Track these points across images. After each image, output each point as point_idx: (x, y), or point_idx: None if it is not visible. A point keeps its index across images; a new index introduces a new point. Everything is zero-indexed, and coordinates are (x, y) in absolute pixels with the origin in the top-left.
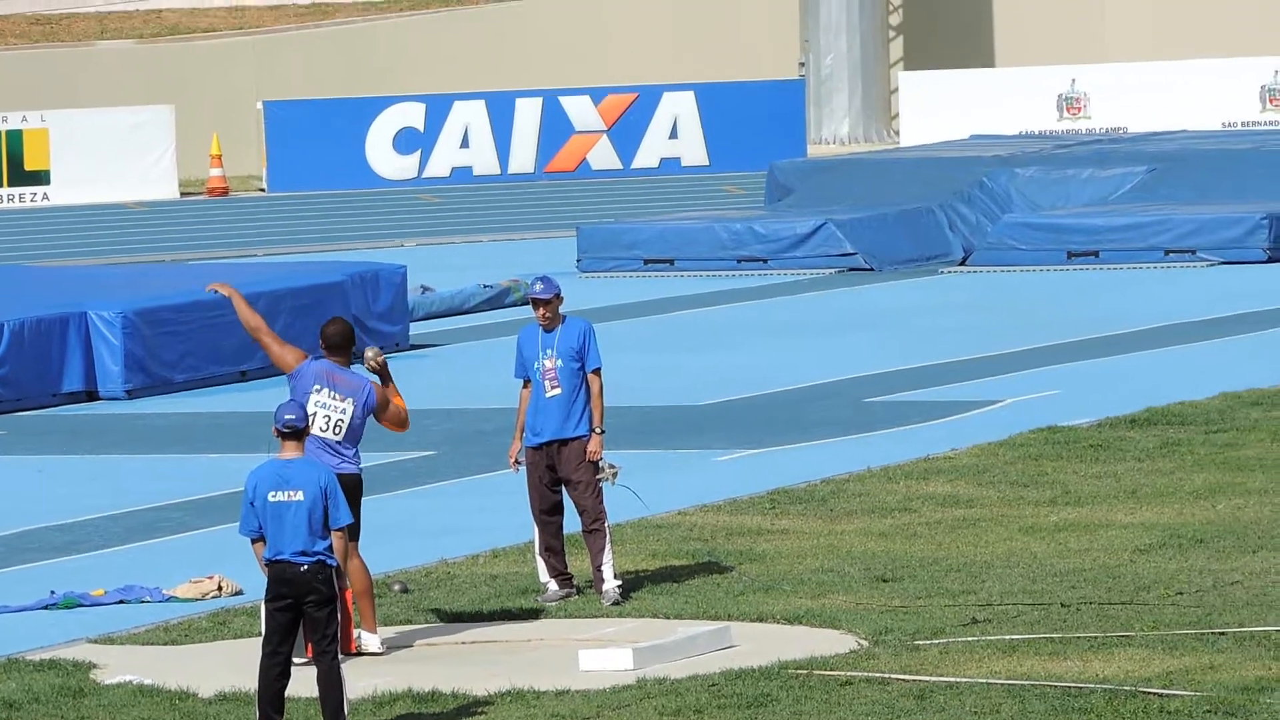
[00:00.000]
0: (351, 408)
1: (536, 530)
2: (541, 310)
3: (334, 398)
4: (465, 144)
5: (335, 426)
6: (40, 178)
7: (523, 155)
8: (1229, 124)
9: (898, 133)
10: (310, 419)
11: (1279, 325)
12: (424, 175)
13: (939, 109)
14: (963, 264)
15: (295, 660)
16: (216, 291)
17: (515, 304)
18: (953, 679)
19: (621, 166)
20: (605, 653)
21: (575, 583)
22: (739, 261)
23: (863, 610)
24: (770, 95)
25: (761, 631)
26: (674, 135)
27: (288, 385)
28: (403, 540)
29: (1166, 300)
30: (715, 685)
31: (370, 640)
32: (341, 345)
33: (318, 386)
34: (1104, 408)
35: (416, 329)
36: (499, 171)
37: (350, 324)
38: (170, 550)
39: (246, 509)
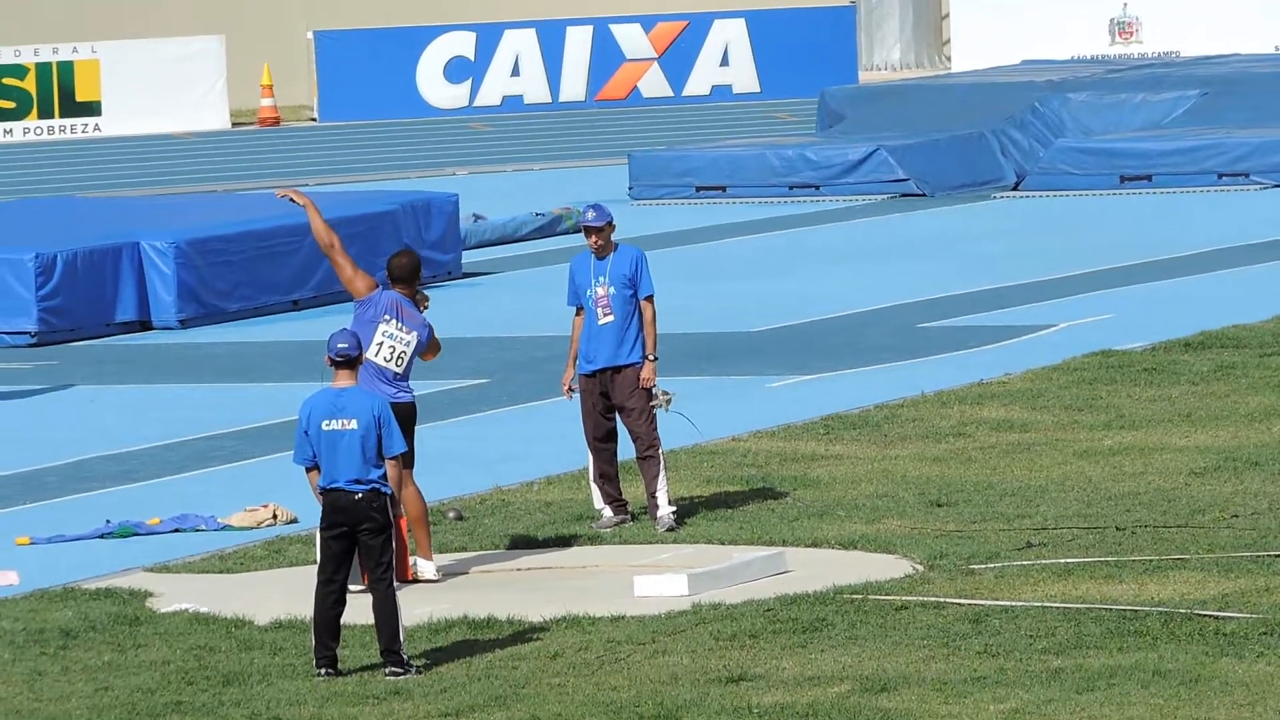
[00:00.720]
0: (415, 341)
1: (590, 457)
2: (594, 238)
3: (401, 329)
4: (516, 72)
5: (398, 358)
6: (92, 109)
7: (574, 83)
8: None
9: (949, 58)
10: (376, 348)
11: None
12: (475, 104)
13: (990, 34)
14: (1015, 189)
15: (350, 588)
16: (290, 199)
17: (567, 232)
18: (1008, 603)
19: (673, 94)
20: (660, 578)
21: (630, 509)
22: (791, 188)
23: (917, 535)
24: (821, 21)
25: (816, 557)
26: (725, 63)
27: (355, 311)
28: (457, 468)
29: (1220, 224)
30: (770, 610)
31: (426, 567)
32: (409, 278)
33: (387, 317)
34: (1158, 331)
35: (469, 257)
36: (550, 100)
37: (418, 256)
38: (225, 479)
39: (300, 438)
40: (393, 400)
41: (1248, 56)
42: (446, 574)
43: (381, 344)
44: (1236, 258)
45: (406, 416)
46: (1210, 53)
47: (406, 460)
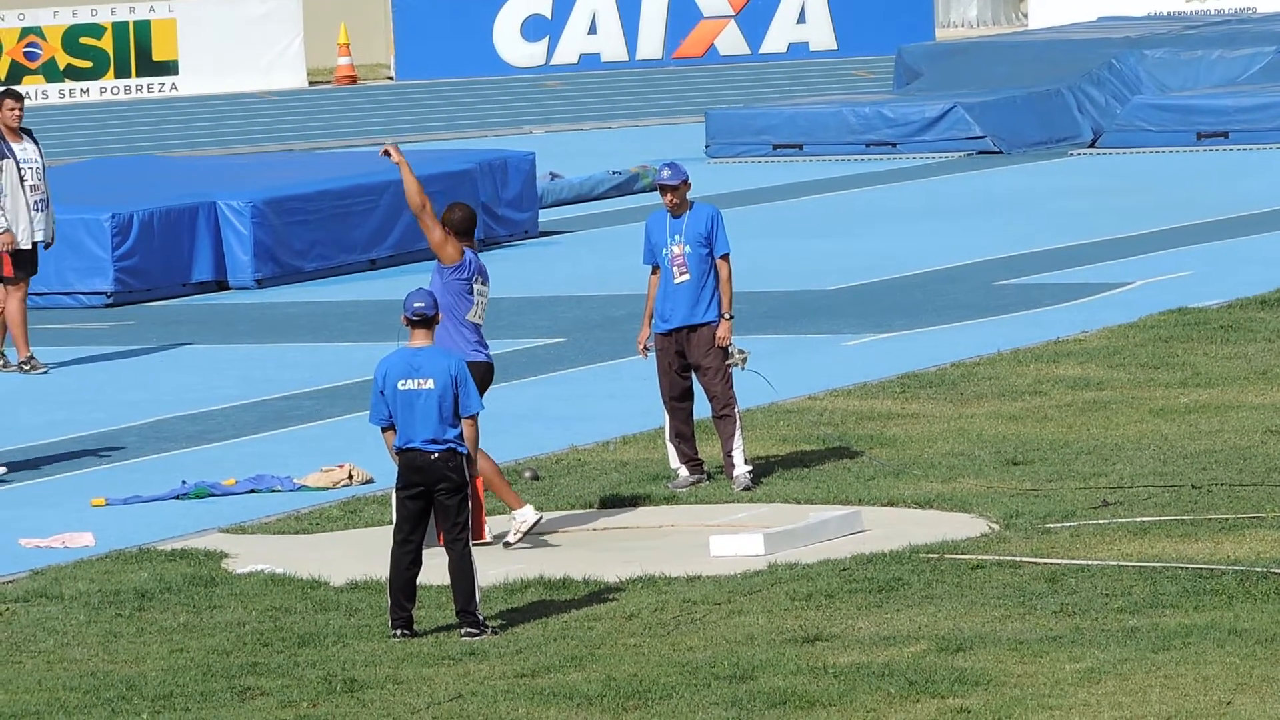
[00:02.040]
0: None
1: (666, 416)
2: (669, 196)
3: (485, 285)
4: (593, 30)
5: (483, 314)
6: (168, 68)
7: (650, 41)
8: None
9: (1026, 15)
10: (474, 310)
11: None
12: (552, 62)
13: None
14: (1092, 146)
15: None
16: (387, 154)
17: (643, 190)
18: (1084, 562)
19: (750, 52)
20: (736, 538)
21: (706, 468)
22: (867, 146)
23: (993, 493)
24: None
25: (892, 516)
26: (802, 20)
27: (443, 275)
28: (533, 427)
29: None
30: (846, 570)
31: (525, 513)
32: (471, 230)
33: (479, 279)
34: (1234, 288)
35: (545, 216)
36: (627, 58)
37: (474, 207)
38: (301, 439)
39: (376, 398)
40: (472, 359)
41: None
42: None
43: (477, 304)
44: None
45: (485, 375)
46: None
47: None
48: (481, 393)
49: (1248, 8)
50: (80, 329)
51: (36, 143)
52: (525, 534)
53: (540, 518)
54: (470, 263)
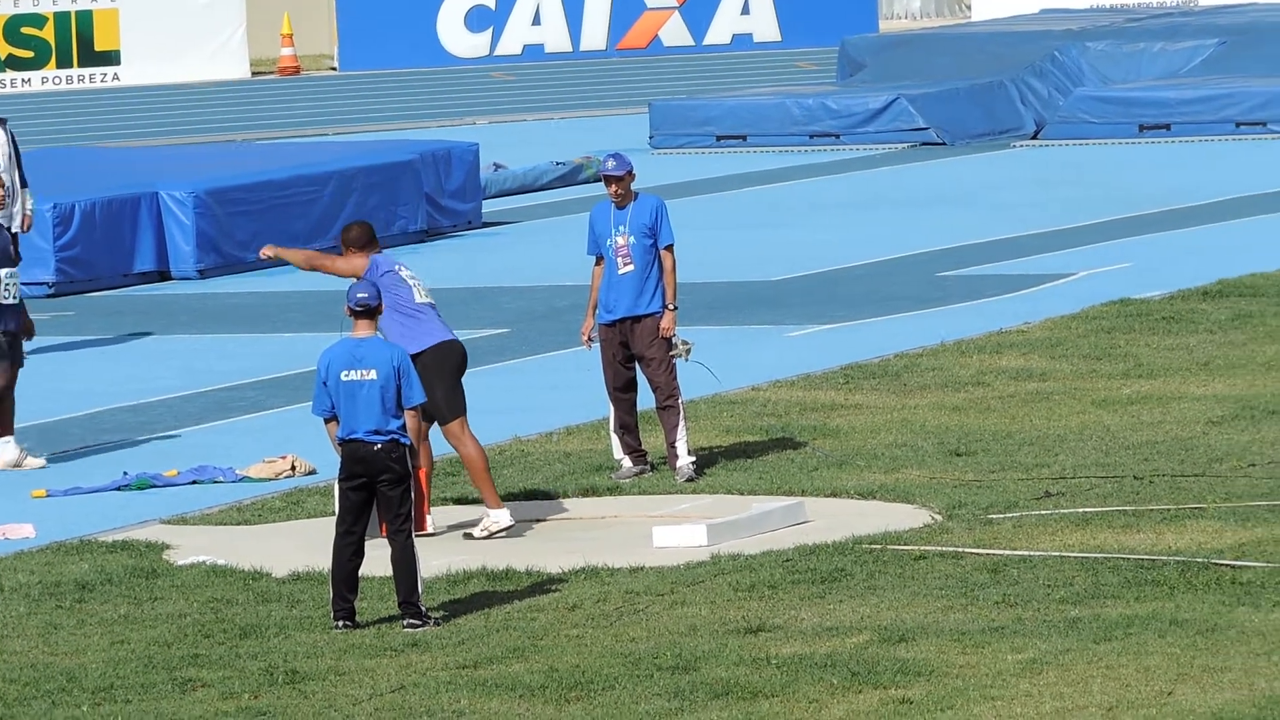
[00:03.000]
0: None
1: (610, 407)
2: (614, 187)
3: (406, 269)
4: (537, 21)
5: (426, 292)
6: (111, 58)
7: (595, 32)
8: None
9: (969, 7)
10: (416, 291)
11: None
12: (496, 53)
13: None
14: (1034, 138)
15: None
16: (267, 257)
17: (587, 181)
18: (1026, 552)
19: (693, 43)
20: (679, 529)
21: (649, 459)
22: (811, 137)
23: (936, 484)
24: None
25: (835, 507)
26: (745, 11)
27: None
28: (476, 418)
29: (1238, 173)
30: (789, 561)
31: (499, 515)
32: (372, 238)
33: (397, 265)
34: (1176, 280)
35: (489, 206)
36: (571, 49)
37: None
38: (243, 430)
39: (319, 389)
40: (451, 339)
41: (1265, 6)
42: (465, 525)
43: (414, 287)
44: (1254, 206)
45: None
46: (1229, 2)
47: (457, 409)
48: (461, 374)
49: (1190, 1)
50: None
51: (8, 133)
52: (492, 535)
53: (513, 524)
54: (378, 261)
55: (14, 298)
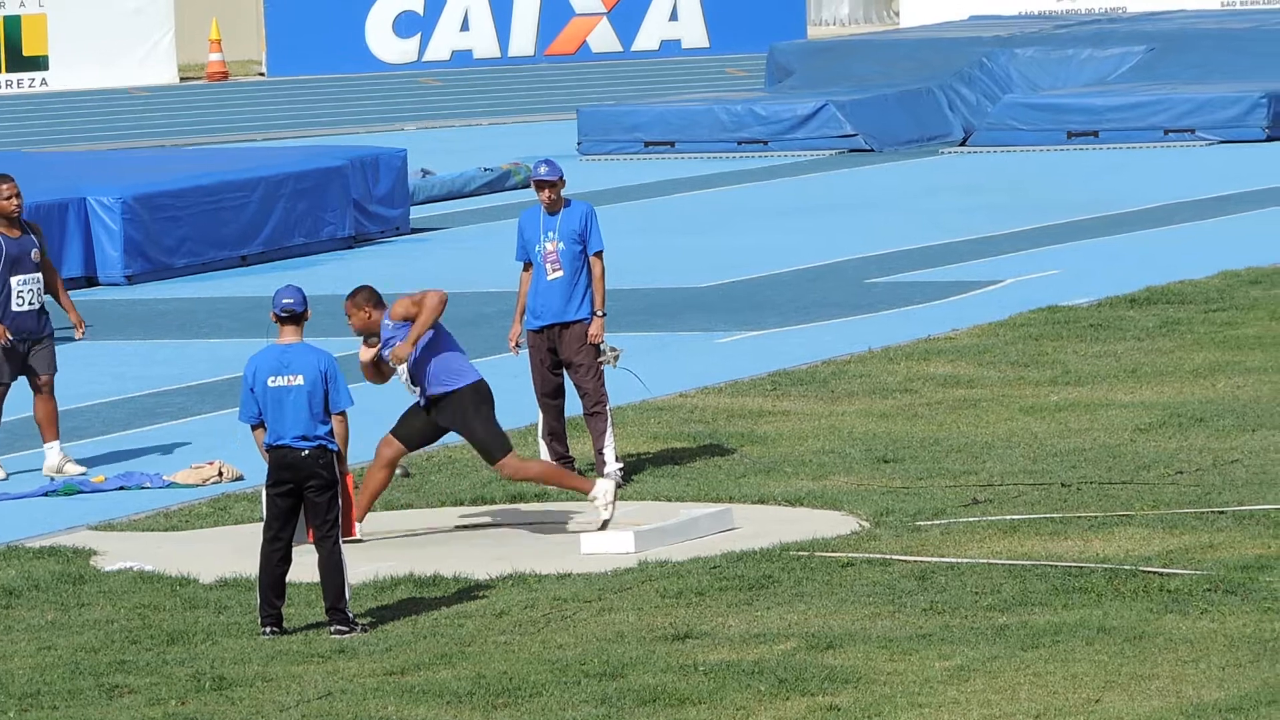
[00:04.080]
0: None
1: (539, 413)
2: (547, 192)
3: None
4: (465, 27)
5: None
6: (38, 63)
7: (523, 38)
8: (1228, 3)
9: (897, 13)
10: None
11: (1277, 204)
12: (424, 59)
13: None
14: (962, 144)
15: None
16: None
17: (516, 187)
18: (954, 559)
19: (622, 49)
20: (607, 536)
21: (577, 466)
22: (739, 143)
23: (864, 491)
24: None
25: (763, 513)
26: (674, 17)
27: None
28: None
29: (1166, 179)
30: (717, 567)
31: (601, 487)
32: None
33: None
34: (1104, 287)
35: (417, 213)
36: (499, 55)
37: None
38: (171, 436)
39: (246, 395)
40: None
41: (1194, 12)
42: (392, 531)
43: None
44: (1182, 213)
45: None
46: (1157, 8)
47: (506, 443)
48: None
49: (1118, 7)
50: None
51: None
52: (613, 502)
53: (617, 481)
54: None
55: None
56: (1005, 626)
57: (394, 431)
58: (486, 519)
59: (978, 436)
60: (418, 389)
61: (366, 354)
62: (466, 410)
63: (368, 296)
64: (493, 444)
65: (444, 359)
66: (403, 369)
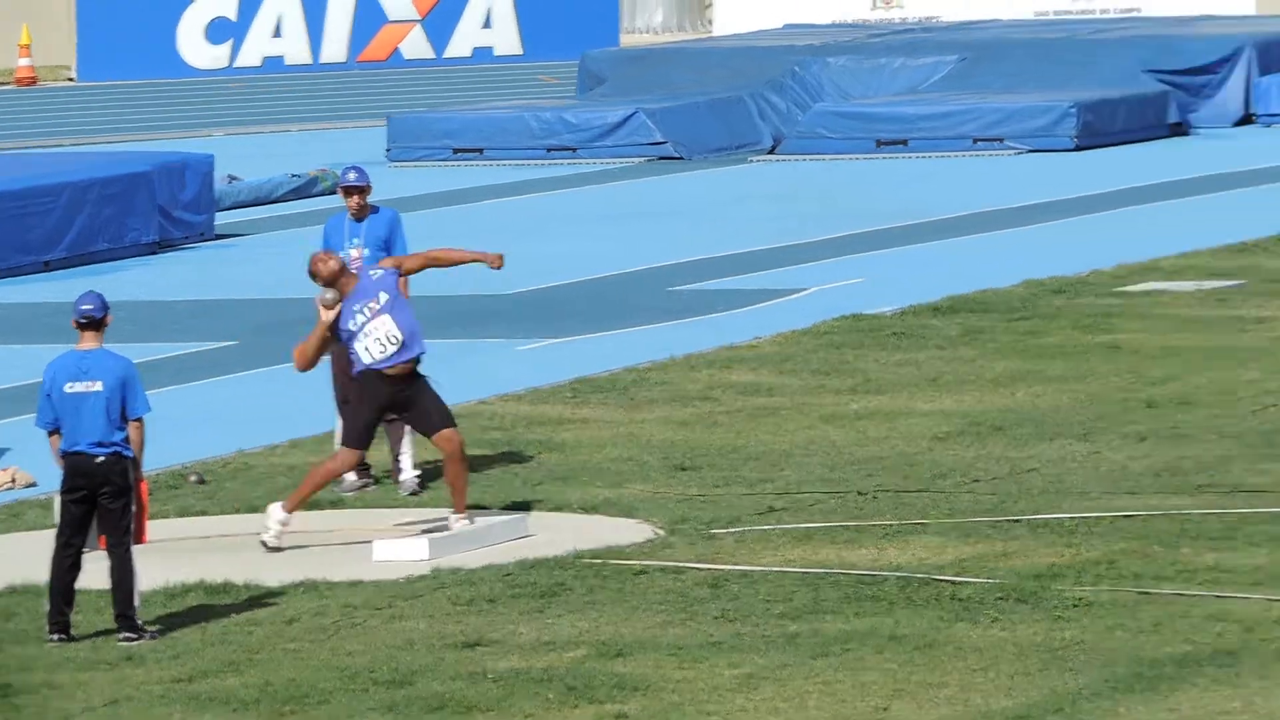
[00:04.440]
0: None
1: (337, 420)
2: (355, 198)
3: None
4: (278, 33)
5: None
6: None
7: (335, 44)
8: (1040, 13)
9: (711, 22)
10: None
11: (1084, 213)
12: (235, 65)
13: None
14: (771, 152)
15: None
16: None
17: (323, 193)
18: (747, 567)
19: (434, 56)
20: (400, 543)
21: (373, 473)
22: (549, 151)
23: (660, 499)
24: None
25: (559, 521)
26: (487, 24)
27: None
28: (200, 431)
29: (974, 188)
30: (510, 575)
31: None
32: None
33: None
34: (908, 295)
35: (223, 218)
36: (311, 61)
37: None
38: None
39: (44, 401)
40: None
41: (1006, 23)
42: (183, 537)
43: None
44: (987, 222)
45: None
46: (970, 18)
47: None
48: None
49: (931, 17)
50: None
51: None
52: (278, 530)
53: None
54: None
55: None
56: (796, 634)
57: (346, 442)
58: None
59: (776, 444)
60: (389, 347)
61: (327, 315)
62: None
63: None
64: (447, 412)
65: (416, 322)
66: (374, 330)
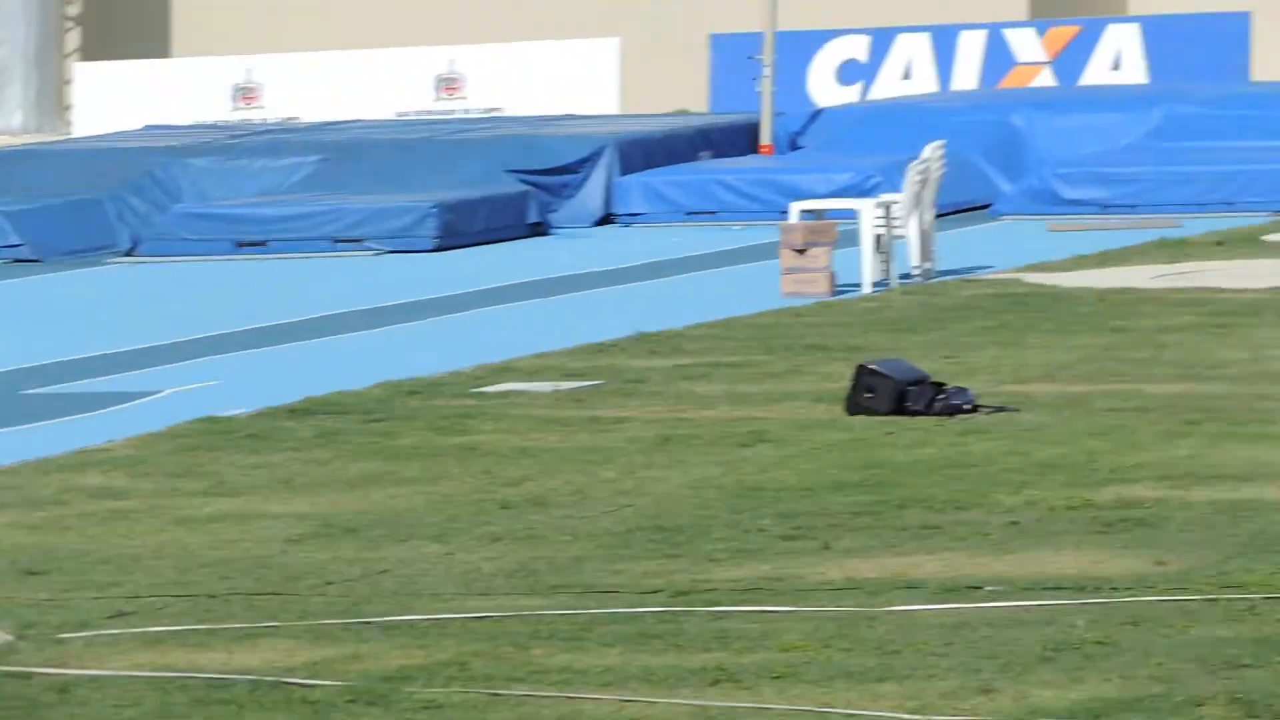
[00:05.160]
0: None
1: None
2: None
3: None
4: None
5: None
6: None
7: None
8: (403, 114)
9: (71, 123)
10: None
11: (443, 313)
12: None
13: (115, 100)
14: (129, 254)
15: None
16: None
17: None
18: (96, 672)
19: None
20: None
21: None
22: None
23: (8, 605)
24: None
25: None
26: None
27: None
28: None
29: (333, 289)
30: None
31: None
32: None
33: None
34: (263, 398)
35: None
36: None
37: None
38: None
39: None
40: None
41: (368, 123)
42: None
43: None
44: (345, 324)
45: None
46: (331, 118)
47: None
48: None
49: (291, 118)
50: None
51: None
52: None
53: None
54: None
55: None
56: None
57: None
58: None
59: (128, 548)
60: None
61: None
62: None
63: None
64: None
65: None
66: None
